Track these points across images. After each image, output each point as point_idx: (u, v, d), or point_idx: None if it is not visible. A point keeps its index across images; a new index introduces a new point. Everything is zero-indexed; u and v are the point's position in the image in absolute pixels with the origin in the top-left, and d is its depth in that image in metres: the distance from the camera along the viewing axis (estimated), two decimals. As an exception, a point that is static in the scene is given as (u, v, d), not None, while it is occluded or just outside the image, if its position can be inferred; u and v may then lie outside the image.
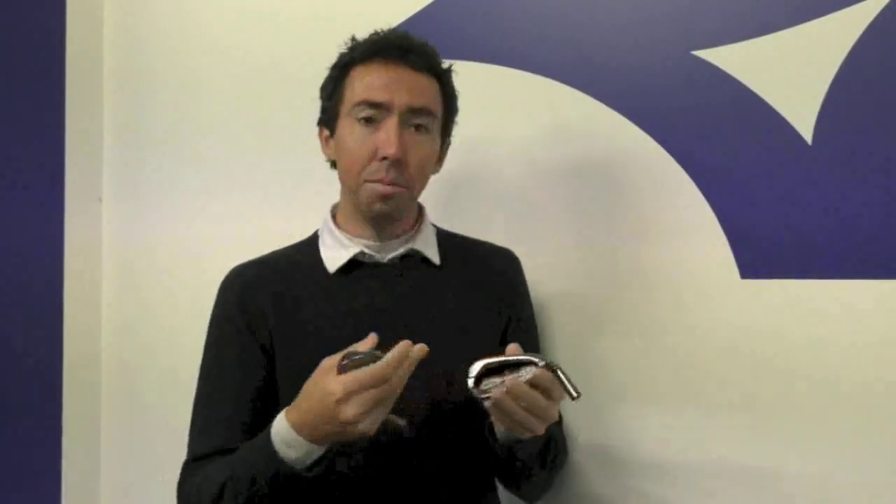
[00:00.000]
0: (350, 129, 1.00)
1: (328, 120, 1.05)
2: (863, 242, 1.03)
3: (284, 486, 0.87)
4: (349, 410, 0.81)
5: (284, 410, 0.89)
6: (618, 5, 1.18)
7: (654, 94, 1.15)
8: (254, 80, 1.47)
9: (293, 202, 1.42)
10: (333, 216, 1.08)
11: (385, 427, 0.84)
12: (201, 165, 1.52)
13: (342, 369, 0.83)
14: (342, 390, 0.81)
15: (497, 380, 0.85)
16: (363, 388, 0.81)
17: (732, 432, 1.10)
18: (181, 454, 1.03)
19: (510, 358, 0.87)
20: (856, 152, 1.03)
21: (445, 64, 1.05)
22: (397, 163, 0.97)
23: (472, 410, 0.95)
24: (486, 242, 1.15)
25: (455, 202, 1.29)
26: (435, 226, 1.12)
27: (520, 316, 1.11)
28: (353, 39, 1.05)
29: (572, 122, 1.21)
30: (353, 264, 1.04)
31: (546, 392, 0.86)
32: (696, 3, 1.13)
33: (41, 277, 1.50)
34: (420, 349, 0.84)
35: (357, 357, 0.84)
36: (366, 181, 0.99)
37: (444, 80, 1.04)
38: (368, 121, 0.99)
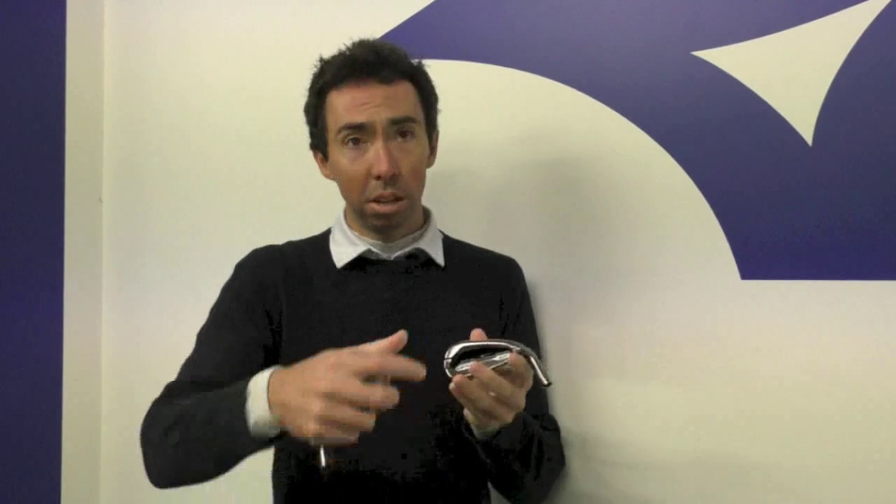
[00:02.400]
0: (341, 154, 1.02)
1: (319, 144, 1.08)
2: (863, 242, 1.03)
3: (236, 442, 0.80)
4: (317, 405, 0.74)
5: (271, 370, 0.82)
6: (618, 6, 1.18)
7: (654, 95, 1.15)
8: (256, 81, 1.47)
9: (295, 203, 1.42)
10: (345, 214, 1.11)
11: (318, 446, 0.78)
12: (202, 165, 1.52)
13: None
14: (327, 388, 0.74)
15: (473, 363, 0.86)
16: (343, 400, 0.73)
17: (731, 431, 1.10)
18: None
19: (488, 342, 0.88)
20: (856, 152, 1.04)
21: (416, 60, 1.05)
22: (392, 178, 0.99)
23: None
24: (489, 251, 1.17)
25: (456, 202, 1.29)
26: (442, 232, 1.15)
27: (518, 318, 1.13)
28: (322, 60, 1.06)
29: (573, 123, 1.21)
30: (361, 261, 1.07)
31: (518, 378, 0.86)
32: (696, 3, 1.13)
33: (40, 278, 1.50)
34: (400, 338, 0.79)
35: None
36: (368, 201, 1.02)
37: (417, 79, 1.05)
38: (355, 142, 1.01)
